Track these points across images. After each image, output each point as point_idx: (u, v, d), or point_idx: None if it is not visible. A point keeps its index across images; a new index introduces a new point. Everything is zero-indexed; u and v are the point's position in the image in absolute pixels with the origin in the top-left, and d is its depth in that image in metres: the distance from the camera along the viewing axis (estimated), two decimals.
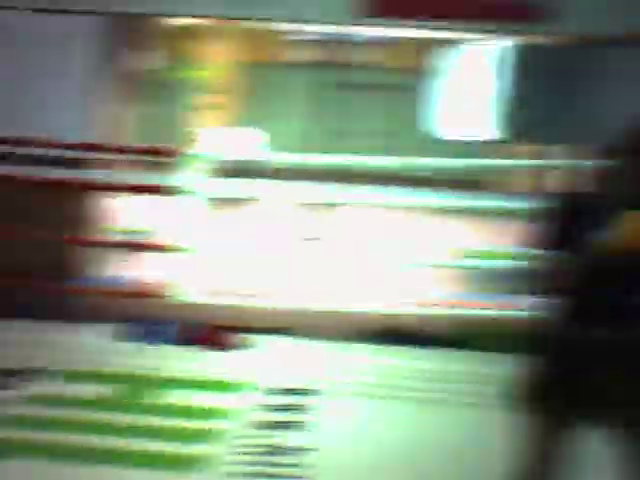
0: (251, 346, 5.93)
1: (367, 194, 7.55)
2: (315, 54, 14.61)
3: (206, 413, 4.87)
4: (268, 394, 5.21)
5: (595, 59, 6.21)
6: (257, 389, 5.27)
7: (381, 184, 10.25)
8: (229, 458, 4.30)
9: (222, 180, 6.38)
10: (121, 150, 6.44)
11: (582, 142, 6.68)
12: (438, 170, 9.34)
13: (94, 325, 6.09)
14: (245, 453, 4.37)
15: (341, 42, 13.90)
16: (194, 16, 6.81)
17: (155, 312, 6.09)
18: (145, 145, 6.63)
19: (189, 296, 6.04)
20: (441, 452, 4.47)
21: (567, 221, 3.03)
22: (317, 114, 13.84)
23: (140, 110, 7.56)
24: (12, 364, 5.33)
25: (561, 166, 7.14)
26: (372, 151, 6.94)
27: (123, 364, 5.56)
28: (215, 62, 9.02)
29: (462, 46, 6.49)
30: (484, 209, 9.57)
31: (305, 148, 9.64)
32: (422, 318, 6.39)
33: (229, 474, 4.14)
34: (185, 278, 6.08)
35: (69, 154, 6.14)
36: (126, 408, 4.90)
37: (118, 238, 6.58)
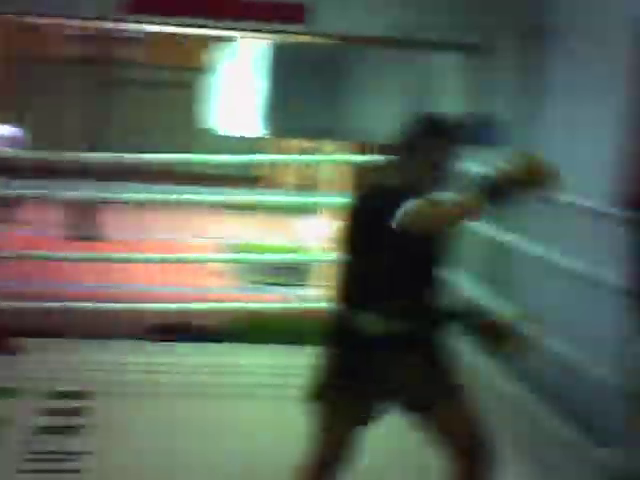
0: (26, 349, 5.76)
1: (142, 191, 7.49)
2: (83, 50, 14.28)
3: None
4: (46, 398, 5.08)
5: (355, 58, 6.46)
6: (35, 394, 5.13)
7: (156, 181, 10.22)
8: (8, 466, 4.18)
9: None
10: None
11: (341, 138, 6.95)
12: (215, 166, 9.42)
13: None
14: (25, 460, 4.26)
15: (111, 38, 13.67)
16: None
17: None
18: None
19: None
20: (229, 444, 4.54)
21: (361, 217, 3.10)
22: (85, 110, 13.55)
23: None
24: None
25: (333, 161, 7.37)
26: (145, 148, 6.88)
27: None
28: None
29: (232, 45, 6.58)
30: (260, 204, 9.77)
31: (70, 145, 9.41)
32: (201, 313, 6.44)
33: None
34: None
35: None
36: None
37: None
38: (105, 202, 10.54)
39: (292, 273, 8.79)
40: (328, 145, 10.70)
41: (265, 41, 6.53)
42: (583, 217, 4.52)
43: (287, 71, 6.31)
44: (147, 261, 7.42)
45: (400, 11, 6.18)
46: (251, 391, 5.28)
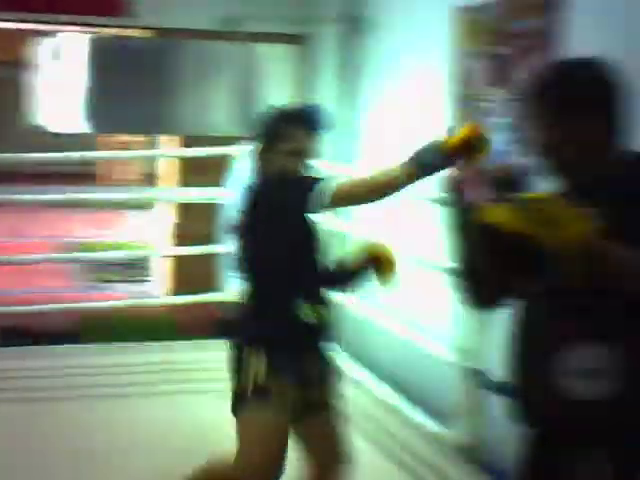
0: None
1: None
2: None
3: None
4: None
5: (180, 51, 6.42)
6: None
7: None
8: None
9: None
10: None
11: (168, 132, 6.87)
12: (44, 164, 9.13)
13: None
14: None
15: None
16: None
17: None
18: None
19: None
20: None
21: (258, 209, 3.02)
22: None
23: None
24: None
25: (172, 155, 7.28)
26: None
27: None
28: None
29: (55, 39, 6.40)
30: (93, 201, 9.56)
31: None
32: (42, 314, 6.27)
33: None
34: None
35: None
36: None
37: None
38: None
39: (131, 269, 8.66)
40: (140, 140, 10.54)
41: (86, 35, 6.39)
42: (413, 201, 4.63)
43: (109, 66, 6.16)
44: None
45: (224, 4, 6.18)
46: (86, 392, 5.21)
